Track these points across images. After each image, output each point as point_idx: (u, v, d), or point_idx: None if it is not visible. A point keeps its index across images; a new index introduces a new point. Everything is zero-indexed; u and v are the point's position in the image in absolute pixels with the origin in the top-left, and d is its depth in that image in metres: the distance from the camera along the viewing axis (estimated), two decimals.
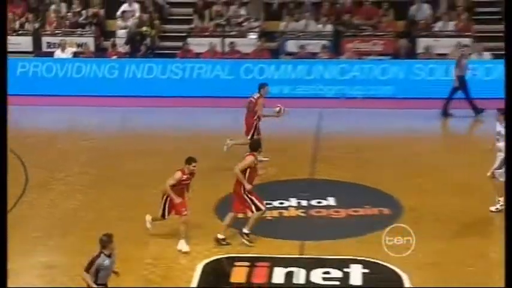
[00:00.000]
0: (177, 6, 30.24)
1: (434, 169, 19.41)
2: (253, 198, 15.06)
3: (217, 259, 14.60)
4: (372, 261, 14.41)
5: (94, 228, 14.50)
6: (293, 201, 17.26)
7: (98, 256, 11.68)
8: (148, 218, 15.39)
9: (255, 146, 15.59)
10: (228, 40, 27.72)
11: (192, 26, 28.86)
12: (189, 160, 14.90)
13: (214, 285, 13.75)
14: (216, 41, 27.83)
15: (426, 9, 27.55)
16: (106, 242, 11.77)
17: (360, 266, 14.30)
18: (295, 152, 20.72)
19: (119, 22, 28.96)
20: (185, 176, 14.85)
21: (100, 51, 28.78)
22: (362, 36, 27.41)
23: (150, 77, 26.96)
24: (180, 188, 14.86)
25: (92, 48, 28.67)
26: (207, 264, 14.38)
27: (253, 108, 19.81)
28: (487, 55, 25.99)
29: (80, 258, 12.44)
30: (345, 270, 14.16)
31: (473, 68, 24.62)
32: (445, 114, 24.05)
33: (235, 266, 14.33)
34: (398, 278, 13.88)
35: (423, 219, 16.40)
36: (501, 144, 16.45)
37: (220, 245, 15.07)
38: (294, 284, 13.73)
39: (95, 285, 11.57)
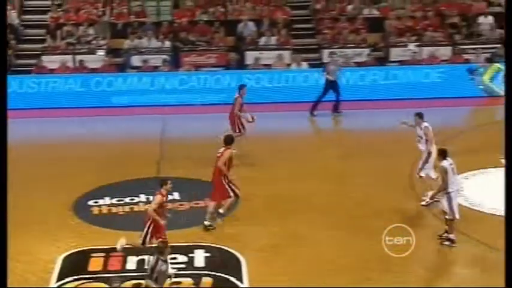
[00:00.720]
0: (31, 27, 29.40)
1: (264, 163, 19.66)
2: (233, 186, 15.52)
3: (75, 252, 14.35)
4: (213, 246, 14.54)
5: None
6: (142, 197, 17.15)
7: (156, 263, 11.35)
8: (122, 241, 13.50)
9: (229, 141, 15.84)
10: (78, 57, 27.20)
11: (45, 45, 28.16)
12: (164, 181, 13.81)
13: (73, 275, 13.52)
14: (68, 57, 27.25)
15: (251, 27, 27.86)
16: (163, 248, 11.49)
17: (202, 251, 14.42)
18: (143, 153, 20.54)
19: None
20: (165, 198, 13.76)
21: None
22: (198, 51, 27.44)
23: (8, 92, 26.05)
24: (161, 210, 13.74)
25: None
26: (66, 257, 14.12)
27: (234, 105, 20.04)
28: (304, 65, 26.54)
29: None
30: (190, 255, 14.26)
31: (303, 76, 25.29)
32: (312, 114, 24.33)
33: (92, 257, 14.15)
34: (237, 260, 14.07)
35: (257, 207, 16.65)
36: (421, 146, 16.66)
37: (208, 230, 15.24)
38: (146, 269, 13.68)
39: None
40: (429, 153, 16.48)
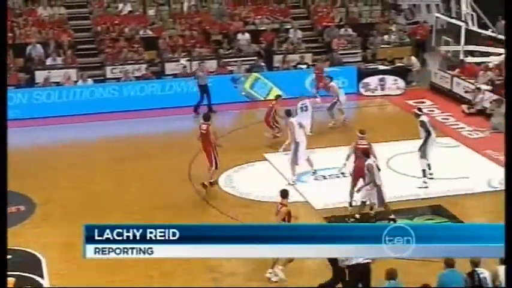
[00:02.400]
0: None
1: (64, 170, 19.01)
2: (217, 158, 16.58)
3: None
4: (14, 249, 13.78)
5: None
6: None
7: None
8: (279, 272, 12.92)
9: (207, 117, 17.04)
10: None
11: None
12: (286, 193, 13.10)
13: None
14: None
15: (39, 49, 26.80)
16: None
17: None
18: None
19: None
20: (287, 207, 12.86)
21: None
22: None
23: None
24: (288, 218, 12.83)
25: None
26: None
27: (270, 111, 20.28)
28: (90, 81, 25.93)
29: None
30: None
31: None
32: (196, 112, 23.88)
33: None
34: (37, 259, 13.60)
35: (53, 209, 16.12)
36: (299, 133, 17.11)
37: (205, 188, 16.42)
38: None
39: None
40: (297, 143, 16.97)
